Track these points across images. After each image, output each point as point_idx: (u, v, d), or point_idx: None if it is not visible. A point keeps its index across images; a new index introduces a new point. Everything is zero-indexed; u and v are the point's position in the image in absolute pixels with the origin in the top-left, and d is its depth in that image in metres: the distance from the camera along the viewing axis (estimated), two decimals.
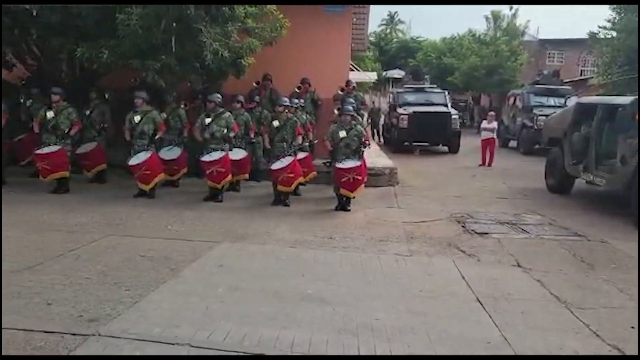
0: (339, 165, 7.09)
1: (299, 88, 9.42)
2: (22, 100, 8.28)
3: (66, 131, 7.34)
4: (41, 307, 3.57)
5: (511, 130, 17.03)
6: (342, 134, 7.23)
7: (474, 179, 10.73)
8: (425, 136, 14.75)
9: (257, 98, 9.10)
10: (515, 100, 17.26)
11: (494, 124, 13.04)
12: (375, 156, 10.86)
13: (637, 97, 7.37)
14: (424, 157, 14.47)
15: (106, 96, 8.49)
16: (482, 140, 12.80)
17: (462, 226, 6.60)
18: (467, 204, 7.96)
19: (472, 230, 6.38)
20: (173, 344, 3.14)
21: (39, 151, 7.20)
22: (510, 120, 17.28)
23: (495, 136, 13.01)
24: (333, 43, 10.17)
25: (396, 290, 4.24)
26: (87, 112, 7.98)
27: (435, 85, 18.20)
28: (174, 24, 6.91)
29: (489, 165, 12.60)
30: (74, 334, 3.18)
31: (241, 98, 8.30)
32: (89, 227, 5.72)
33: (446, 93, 16.72)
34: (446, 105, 15.49)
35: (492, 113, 13.75)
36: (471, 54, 26.88)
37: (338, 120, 7.60)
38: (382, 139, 17.95)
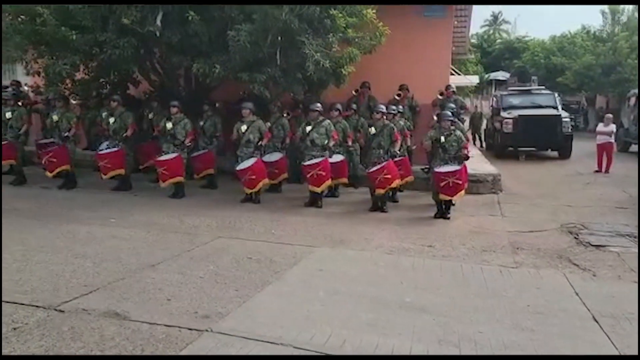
0: (438, 169, 6.97)
1: (398, 95, 9.41)
2: (145, 113, 9.18)
3: (182, 140, 8.01)
4: (162, 302, 3.91)
5: (632, 133, 15.49)
6: (441, 139, 7.10)
7: (589, 186, 9.93)
8: (532, 141, 13.91)
9: (354, 106, 9.25)
10: (637, 100, 15.70)
11: (612, 127, 11.96)
12: (476, 162, 10.47)
13: None
14: (531, 163, 13.66)
15: (217, 106, 9.14)
16: (598, 144, 11.81)
17: (575, 237, 6.15)
18: (580, 214, 7.40)
19: (587, 242, 5.92)
20: (277, 344, 3.29)
21: (159, 158, 7.93)
22: (631, 122, 15.74)
23: (613, 140, 11.93)
24: (433, 48, 10.01)
25: (501, 303, 4.07)
26: (201, 123, 8.64)
27: (543, 87, 17.13)
28: (279, 38, 7.26)
29: (606, 171, 11.58)
30: (190, 329, 3.43)
31: (339, 106, 8.45)
32: (201, 230, 6.16)
33: (556, 95, 15.66)
34: (555, 108, 14.51)
35: (609, 115, 12.61)
36: (585, 52, 24.87)
37: (437, 126, 7.48)
38: (484, 144, 17.25)
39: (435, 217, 7.08)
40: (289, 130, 8.60)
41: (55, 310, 3.67)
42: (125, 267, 4.66)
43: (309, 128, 7.72)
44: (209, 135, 8.69)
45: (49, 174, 8.28)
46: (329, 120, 7.85)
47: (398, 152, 7.73)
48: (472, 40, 31.00)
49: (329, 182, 7.58)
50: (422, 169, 8.09)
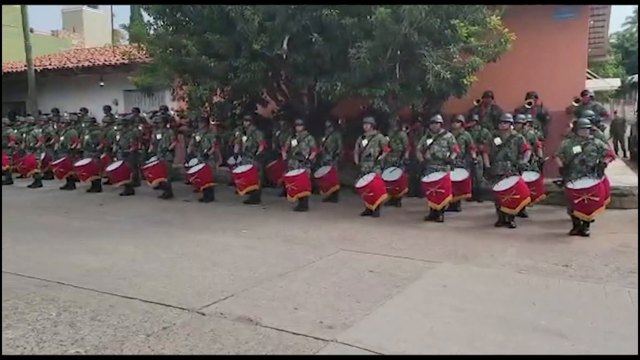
0: (571, 185, 6.42)
1: (529, 103, 8.89)
2: (273, 132, 9.80)
3: (306, 156, 8.40)
4: (290, 310, 4.10)
5: None
6: (577, 149, 6.54)
7: None
8: None
9: (475, 116, 8.92)
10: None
11: None
12: (620, 173, 9.45)
13: None
14: None
15: (339, 122, 9.43)
16: None
17: None
18: None
19: None
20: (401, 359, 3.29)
21: (287, 174, 8.40)
22: None
23: None
24: (565, 51, 9.30)
25: None
26: (323, 139, 8.96)
27: None
28: (399, 52, 7.31)
29: None
30: (316, 338, 3.54)
31: (461, 117, 8.23)
32: (324, 242, 6.36)
33: None
34: None
35: None
36: None
37: (572, 135, 6.92)
38: (628, 154, 15.48)
39: (572, 233, 6.52)
40: (408, 143, 8.56)
41: (198, 313, 4.03)
42: (256, 276, 4.98)
43: (429, 141, 7.61)
44: (331, 151, 8.98)
45: (195, 191, 9.24)
46: (450, 133, 7.67)
47: (528, 164, 7.28)
48: (612, 40, 28.05)
49: (449, 199, 7.37)
50: (555, 182, 7.50)
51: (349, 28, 7.37)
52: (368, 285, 4.69)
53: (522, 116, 7.82)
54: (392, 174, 8.30)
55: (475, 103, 9.30)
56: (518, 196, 6.80)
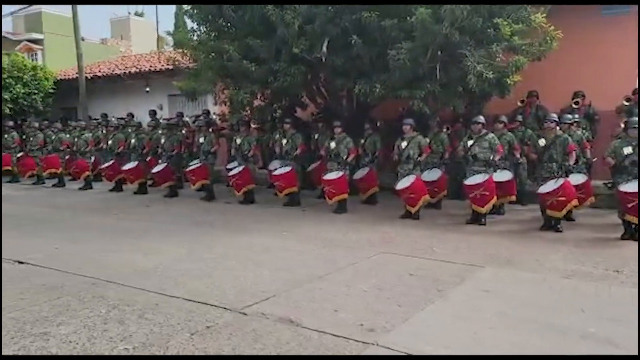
0: (623, 188, 6.15)
1: (576, 103, 8.60)
2: (312, 135, 9.87)
3: (345, 158, 8.40)
4: (330, 312, 4.10)
5: None
6: (628, 150, 6.29)
7: None
8: None
9: (519, 117, 8.70)
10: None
11: None
12: None
13: None
14: None
15: (378, 124, 9.39)
16: None
17: None
18: None
19: None
20: None
21: (325, 177, 8.43)
22: None
23: None
24: (615, 48, 8.95)
25: None
26: (362, 141, 8.95)
27: None
28: (439, 53, 7.23)
29: None
30: (356, 341, 3.53)
31: (504, 118, 8.05)
32: (363, 244, 6.35)
33: None
34: None
35: None
36: None
37: (622, 135, 6.65)
38: None
39: (623, 238, 6.25)
40: (448, 145, 8.43)
41: (240, 312, 4.09)
42: (297, 277, 5.01)
43: (470, 142, 7.48)
44: (370, 153, 8.95)
45: (237, 194, 9.39)
46: (492, 134, 7.51)
47: (574, 165, 7.04)
48: None
49: (493, 201, 7.21)
50: (605, 184, 7.23)
51: (388, 29, 7.35)
52: (408, 289, 4.64)
53: (569, 116, 7.58)
54: (431, 174, 8.21)
55: (519, 103, 9.09)
56: (564, 198, 6.58)
